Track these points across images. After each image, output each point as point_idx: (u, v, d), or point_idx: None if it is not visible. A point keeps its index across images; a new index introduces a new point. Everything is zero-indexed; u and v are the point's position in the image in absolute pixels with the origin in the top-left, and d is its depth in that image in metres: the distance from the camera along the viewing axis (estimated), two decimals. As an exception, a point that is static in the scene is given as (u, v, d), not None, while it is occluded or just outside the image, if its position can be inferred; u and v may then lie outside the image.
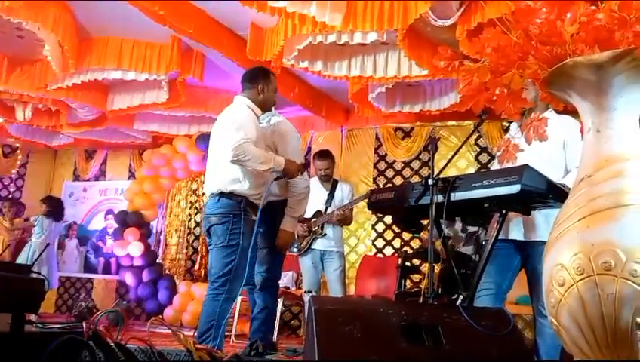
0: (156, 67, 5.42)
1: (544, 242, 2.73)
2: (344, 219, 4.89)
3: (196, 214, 8.34)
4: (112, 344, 1.79)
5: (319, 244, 4.82)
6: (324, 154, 5.04)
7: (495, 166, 3.12)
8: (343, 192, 4.99)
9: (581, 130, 2.27)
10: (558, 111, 2.89)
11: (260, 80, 3.42)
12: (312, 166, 5.01)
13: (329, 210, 4.86)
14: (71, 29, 5.07)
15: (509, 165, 2.85)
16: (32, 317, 3.34)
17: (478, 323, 1.98)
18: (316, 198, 4.84)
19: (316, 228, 4.79)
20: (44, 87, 6.00)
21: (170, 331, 2.15)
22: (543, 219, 2.73)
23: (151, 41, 5.40)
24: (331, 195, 4.96)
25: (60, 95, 6.25)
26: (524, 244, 2.86)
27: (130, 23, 5.00)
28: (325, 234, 4.81)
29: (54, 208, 7.41)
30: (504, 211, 2.50)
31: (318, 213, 4.87)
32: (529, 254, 2.84)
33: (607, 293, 1.52)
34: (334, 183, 5.03)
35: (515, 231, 2.85)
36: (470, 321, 1.97)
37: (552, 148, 2.82)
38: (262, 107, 3.45)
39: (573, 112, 2.02)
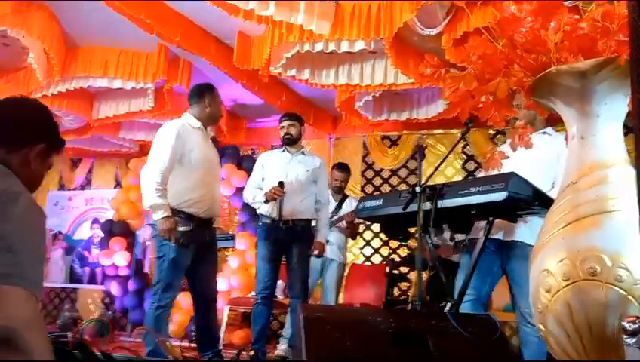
0: (143, 75, 5.39)
1: (524, 243, 2.76)
2: (351, 228, 5.00)
3: (183, 223, 8.26)
4: (99, 353, 1.77)
5: None
6: (343, 167, 5.29)
7: (482, 174, 3.14)
8: (350, 207, 5.05)
9: (566, 138, 2.30)
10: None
11: (206, 95, 3.56)
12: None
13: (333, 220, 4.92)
14: (57, 37, 5.03)
15: (495, 173, 2.86)
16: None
17: (466, 329, 1.99)
18: None
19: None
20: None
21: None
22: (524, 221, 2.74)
23: (138, 49, 5.37)
24: (339, 207, 5.07)
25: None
26: (504, 244, 2.87)
27: (117, 31, 4.97)
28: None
29: None
30: (491, 218, 2.52)
31: None
32: (509, 255, 2.86)
33: (593, 298, 1.53)
34: (344, 197, 5.19)
35: (496, 231, 2.85)
36: (457, 328, 1.98)
37: (545, 160, 2.87)
38: (209, 120, 3.63)
39: (559, 120, 2.04)
